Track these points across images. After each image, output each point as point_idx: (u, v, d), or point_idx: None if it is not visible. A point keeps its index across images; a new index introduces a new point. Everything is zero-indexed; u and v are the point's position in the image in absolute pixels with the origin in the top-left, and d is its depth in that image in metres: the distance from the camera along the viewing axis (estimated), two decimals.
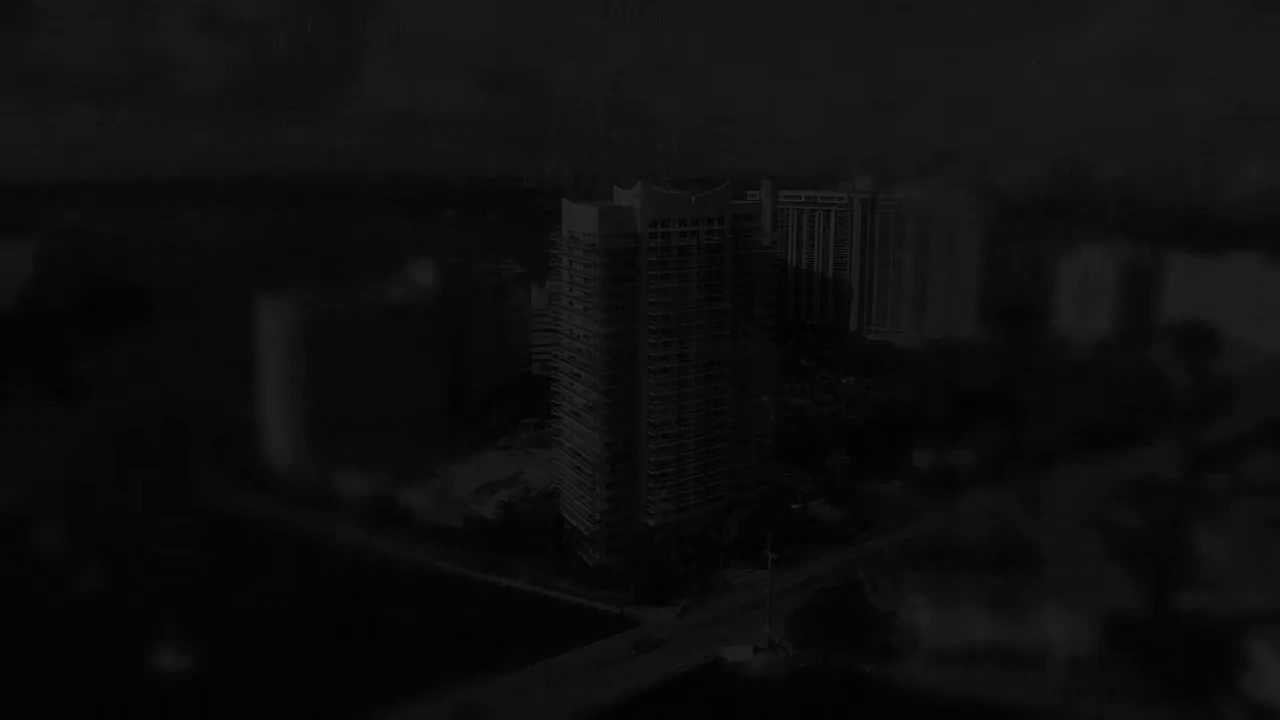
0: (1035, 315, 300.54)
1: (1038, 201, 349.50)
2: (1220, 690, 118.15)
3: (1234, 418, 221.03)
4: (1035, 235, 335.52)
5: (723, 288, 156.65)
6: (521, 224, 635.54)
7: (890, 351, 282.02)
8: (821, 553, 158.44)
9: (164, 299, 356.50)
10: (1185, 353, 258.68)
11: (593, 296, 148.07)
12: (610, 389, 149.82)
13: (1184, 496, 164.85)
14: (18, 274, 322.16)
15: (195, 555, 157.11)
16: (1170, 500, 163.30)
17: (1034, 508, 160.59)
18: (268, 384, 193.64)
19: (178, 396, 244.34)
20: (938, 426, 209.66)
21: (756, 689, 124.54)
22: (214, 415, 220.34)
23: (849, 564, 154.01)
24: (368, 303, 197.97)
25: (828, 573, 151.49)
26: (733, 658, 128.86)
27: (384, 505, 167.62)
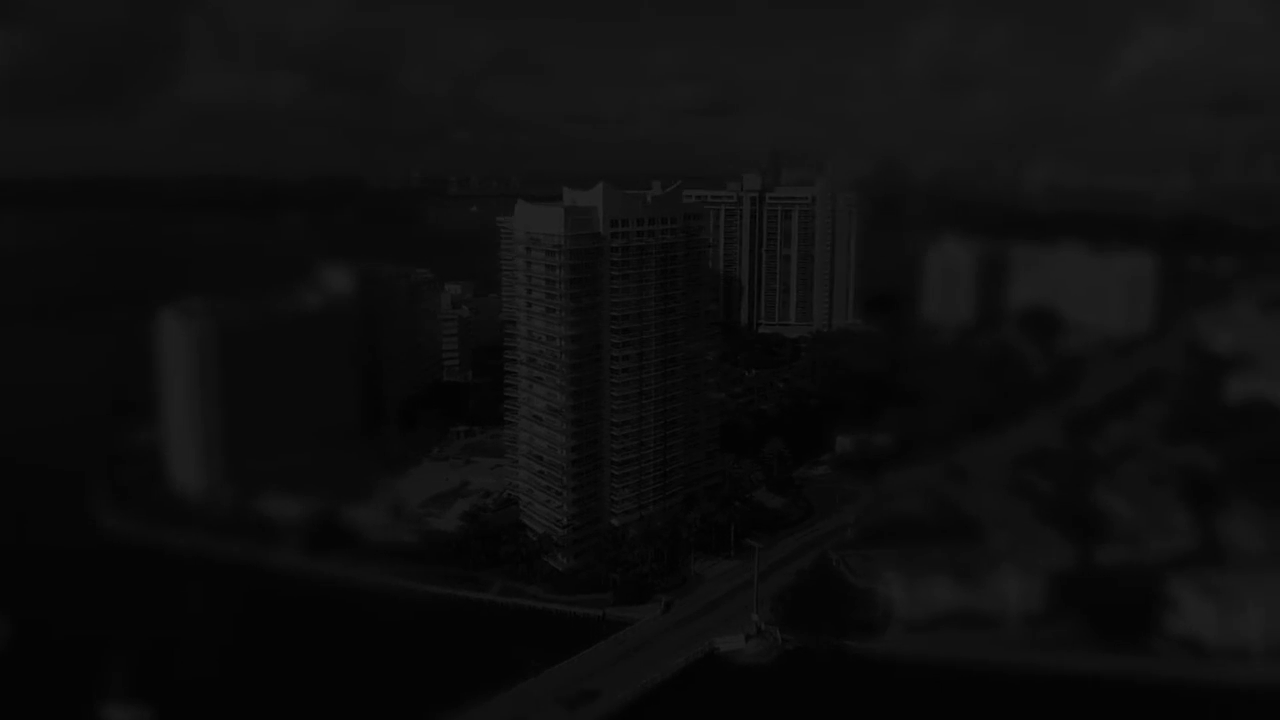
0: (904, 304, 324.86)
1: (871, 199, 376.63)
2: (1148, 630, 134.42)
3: (1085, 391, 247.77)
4: (898, 229, 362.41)
5: (676, 286, 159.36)
6: (375, 225, 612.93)
7: (783, 343, 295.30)
8: (776, 539, 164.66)
9: None
10: (1033, 335, 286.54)
11: (557, 298, 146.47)
12: (576, 391, 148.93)
13: (1078, 462, 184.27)
14: None
15: (121, 597, 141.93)
16: (1068, 466, 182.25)
17: (961, 481, 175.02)
18: (170, 402, 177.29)
19: (43, 417, 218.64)
20: (851, 412, 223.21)
21: (752, 675, 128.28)
22: (95, 438, 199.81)
23: (808, 547, 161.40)
24: (279, 311, 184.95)
25: (789, 557, 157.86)
26: (725, 647, 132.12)
27: (326, 527, 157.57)
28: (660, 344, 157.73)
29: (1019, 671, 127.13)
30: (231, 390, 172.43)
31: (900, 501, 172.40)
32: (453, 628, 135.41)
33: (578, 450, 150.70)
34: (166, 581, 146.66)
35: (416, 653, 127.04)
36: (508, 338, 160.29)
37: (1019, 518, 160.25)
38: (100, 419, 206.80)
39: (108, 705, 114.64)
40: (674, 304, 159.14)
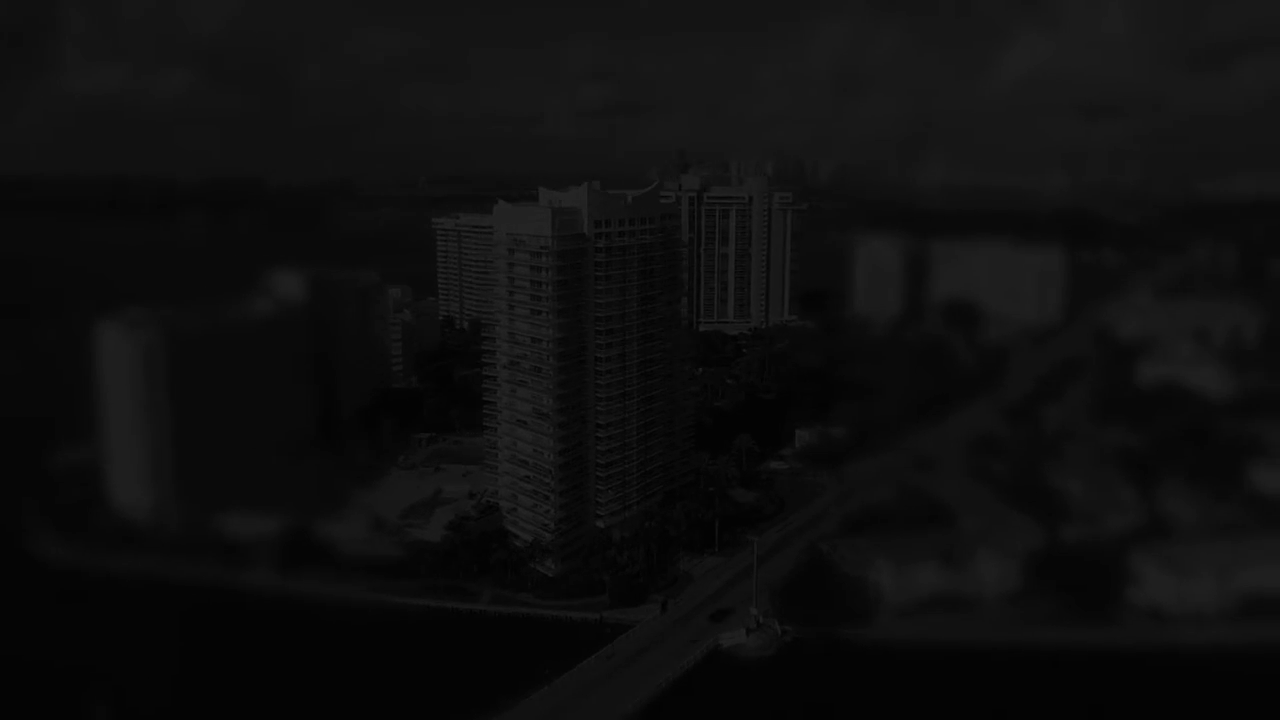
0: (834, 299, 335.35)
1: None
2: (1115, 602, 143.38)
3: (1013, 379, 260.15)
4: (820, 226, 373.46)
5: (654, 286, 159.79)
6: (283, 228, 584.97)
7: (726, 340, 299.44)
8: (756, 533, 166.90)
9: None
10: (957, 326, 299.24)
11: (543, 301, 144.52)
12: (563, 393, 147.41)
13: (1028, 447, 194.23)
14: None
15: (85, 628, 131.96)
16: (1019, 451, 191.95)
17: (926, 469, 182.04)
18: (111, 418, 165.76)
19: None
20: (804, 406, 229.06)
21: (759, 669, 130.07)
22: (19, 460, 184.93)
23: (788, 539, 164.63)
24: (229, 320, 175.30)
25: (773, 550, 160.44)
26: (728, 642, 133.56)
27: (299, 543, 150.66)
28: (640, 344, 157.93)
29: (1005, 649, 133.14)
30: (181, 404, 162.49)
31: (869, 491, 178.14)
32: (454, 641, 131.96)
33: (566, 454, 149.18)
34: (130, 609, 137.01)
35: (425, 669, 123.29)
36: (485, 341, 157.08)
37: (986, 502, 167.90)
38: (23, 440, 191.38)
39: None
40: (653, 304, 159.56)
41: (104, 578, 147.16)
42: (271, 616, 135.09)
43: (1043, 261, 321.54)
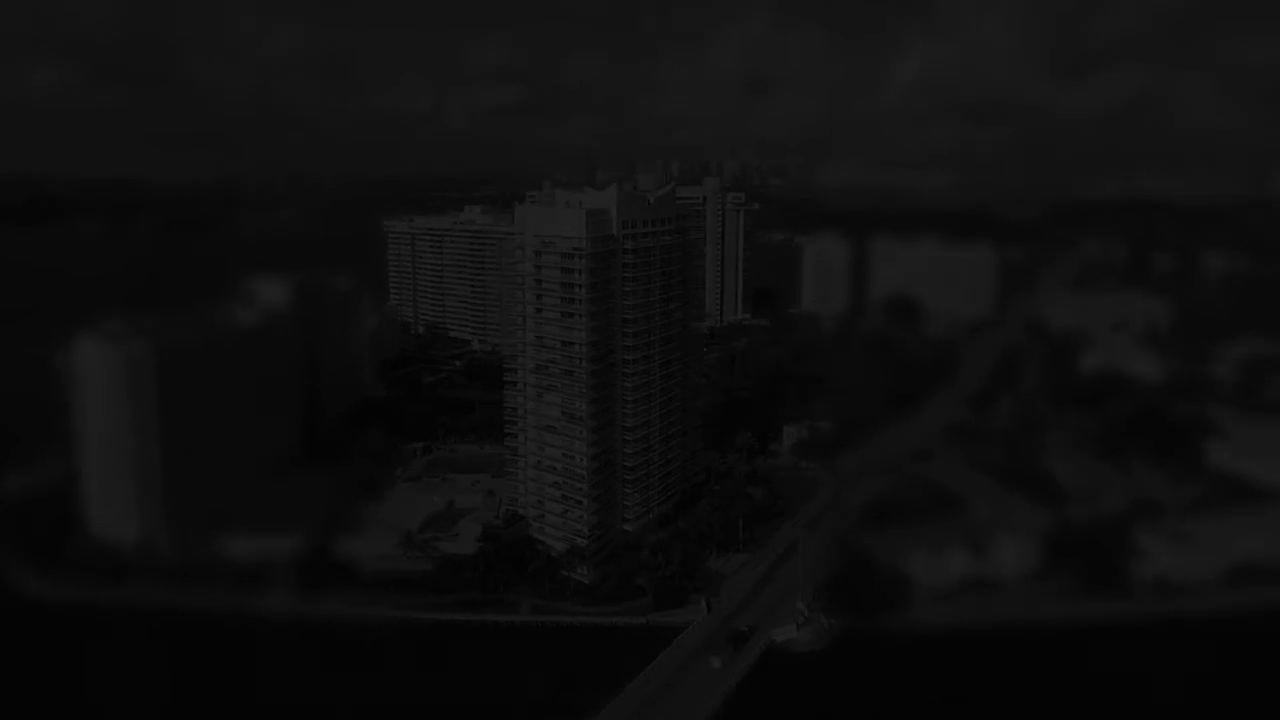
0: (784, 297, 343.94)
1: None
2: (1122, 577, 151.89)
3: (966, 370, 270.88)
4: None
5: (674, 287, 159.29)
6: (183, 234, 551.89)
7: None
8: (775, 528, 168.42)
9: None
10: (901, 322, 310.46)
11: (576, 303, 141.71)
12: (595, 397, 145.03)
13: (1015, 432, 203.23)
14: None
15: (103, 669, 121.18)
16: (1004, 437, 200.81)
17: (925, 459, 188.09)
18: (89, 439, 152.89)
19: None
20: (786, 402, 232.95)
21: (813, 662, 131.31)
22: None
23: (808, 532, 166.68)
24: (216, 329, 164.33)
25: (798, 543, 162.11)
26: (781, 638, 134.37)
27: (319, 563, 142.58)
28: (662, 345, 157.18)
29: (1036, 626, 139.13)
30: (170, 420, 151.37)
31: (872, 483, 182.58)
32: (509, 654, 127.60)
33: (597, 458, 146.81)
34: (141, 643, 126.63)
35: (489, 685, 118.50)
36: (508, 346, 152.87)
37: (990, 488, 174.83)
38: None
39: None
40: (673, 305, 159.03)
41: (102, 611, 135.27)
42: (301, 642, 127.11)
43: (974, 258, 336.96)
